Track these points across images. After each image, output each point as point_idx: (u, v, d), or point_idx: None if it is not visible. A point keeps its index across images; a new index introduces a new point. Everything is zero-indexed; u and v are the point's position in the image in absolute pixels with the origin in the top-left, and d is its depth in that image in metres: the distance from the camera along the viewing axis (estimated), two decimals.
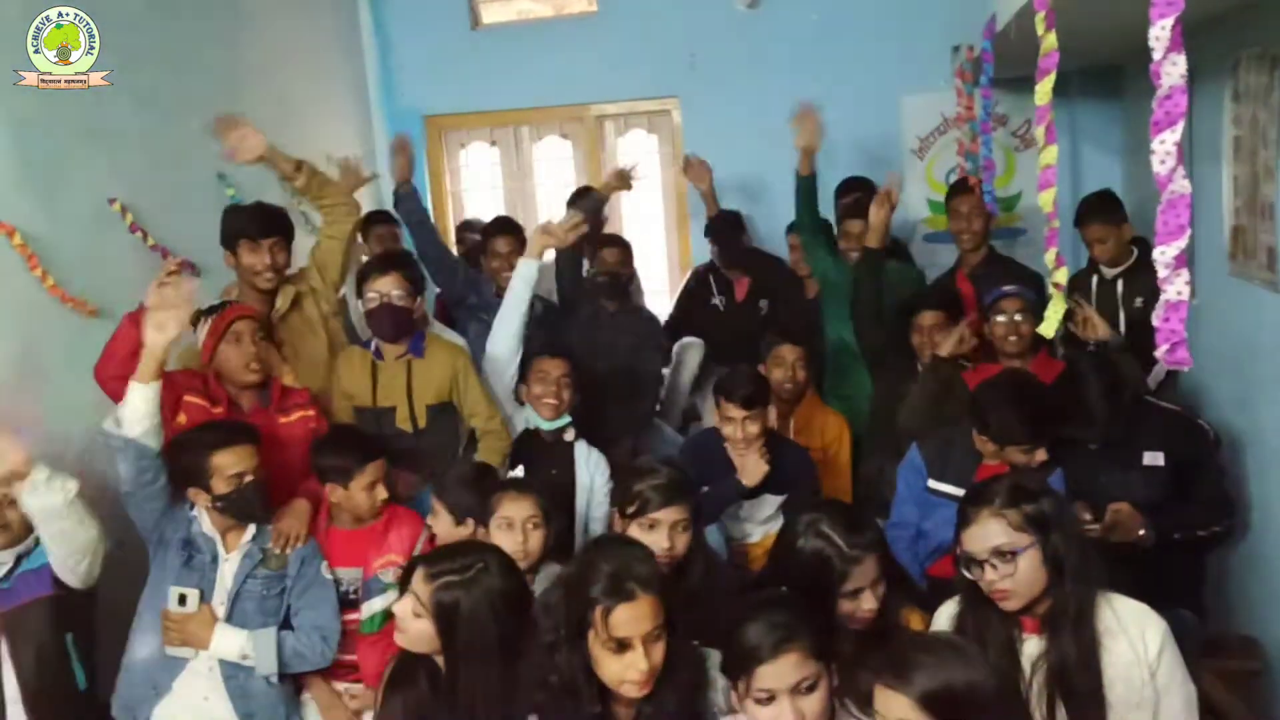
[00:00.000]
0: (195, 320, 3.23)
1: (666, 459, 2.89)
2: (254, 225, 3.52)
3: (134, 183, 3.78)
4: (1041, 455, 3.09)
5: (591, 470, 3.62)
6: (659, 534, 2.63)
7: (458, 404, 3.63)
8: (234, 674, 2.89)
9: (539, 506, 2.88)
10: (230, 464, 2.89)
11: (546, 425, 3.61)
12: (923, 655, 1.87)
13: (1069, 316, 3.37)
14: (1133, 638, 2.21)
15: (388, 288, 3.52)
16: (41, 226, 3.40)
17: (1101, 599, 2.25)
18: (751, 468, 3.39)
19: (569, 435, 3.65)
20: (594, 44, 5.74)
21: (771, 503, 3.51)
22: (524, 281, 3.75)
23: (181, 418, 3.18)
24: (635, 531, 2.64)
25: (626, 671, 2.01)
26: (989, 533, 2.21)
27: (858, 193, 4.74)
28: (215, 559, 2.94)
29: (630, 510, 2.67)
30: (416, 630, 2.21)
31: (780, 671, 1.92)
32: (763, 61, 5.57)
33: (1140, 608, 2.26)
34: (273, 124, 4.82)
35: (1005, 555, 2.18)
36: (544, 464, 3.60)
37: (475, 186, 6.25)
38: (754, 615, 2.00)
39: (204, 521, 2.96)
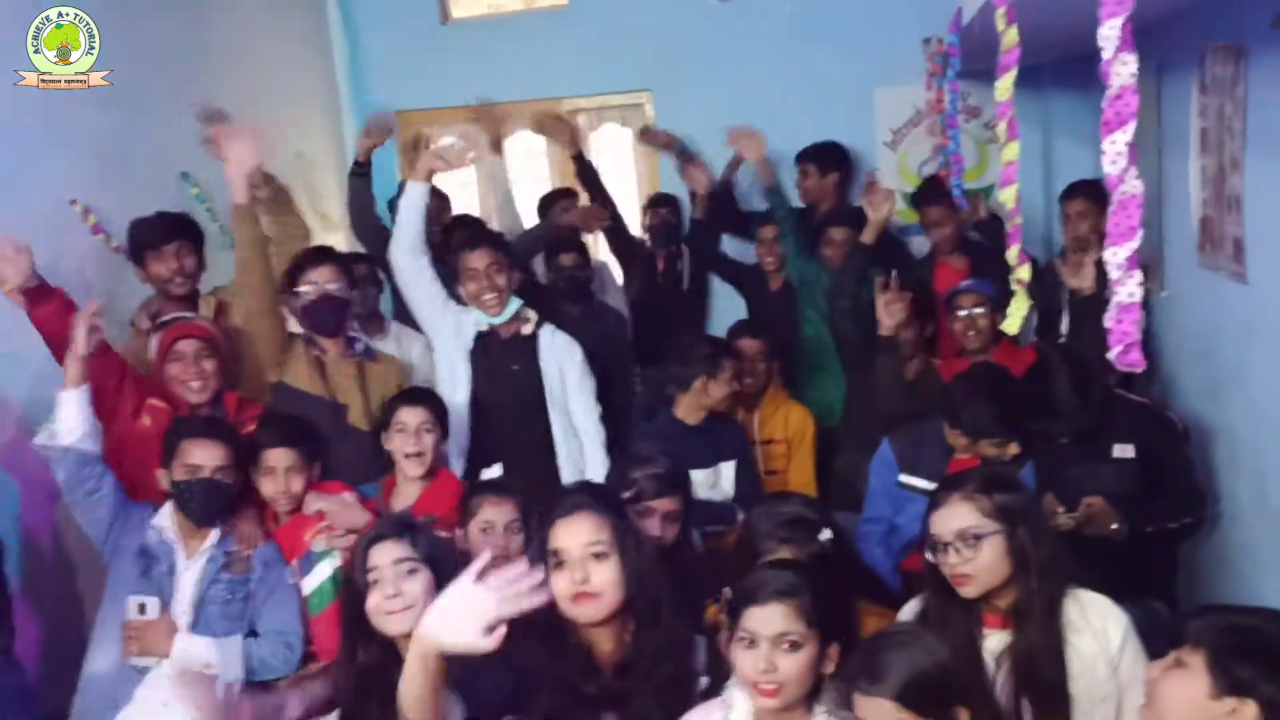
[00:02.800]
0: (147, 332, 3.22)
1: (664, 450, 2.93)
2: (155, 233, 3.49)
3: (97, 183, 3.74)
4: (1014, 449, 3.10)
5: (559, 358, 3.61)
6: (652, 522, 2.68)
7: None
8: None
9: (519, 509, 2.86)
10: (191, 454, 2.88)
11: (498, 320, 3.58)
12: (888, 653, 1.92)
13: (1039, 299, 3.39)
14: (1096, 631, 2.22)
15: (324, 278, 3.48)
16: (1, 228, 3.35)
17: (1067, 594, 2.25)
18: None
19: (527, 329, 3.61)
20: (566, 38, 5.70)
21: (726, 474, 3.57)
22: (414, 204, 3.62)
23: (145, 419, 3.19)
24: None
25: (564, 586, 2.11)
26: (956, 515, 2.22)
27: (815, 160, 5.10)
28: (173, 569, 2.90)
29: (626, 496, 2.70)
30: (419, 590, 2.23)
31: (767, 617, 1.98)
32: (736, 54, 5.53)
33: (1103, 601, 2.27)
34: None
35: (969, 539, 2.18)
36: (504, 362, 3.59)
37: (447, 182, 6.18)
38: (769, 567, 2.13)
39: (167, 528, 2.93)
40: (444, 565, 2.31)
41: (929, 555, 2.26)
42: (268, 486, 3.03)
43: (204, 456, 2.88)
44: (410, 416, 3.17)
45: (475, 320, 3.64)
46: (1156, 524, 3.13)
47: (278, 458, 3.01)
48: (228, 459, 2.91)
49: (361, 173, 4.35)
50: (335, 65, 5.89)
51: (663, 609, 2.18)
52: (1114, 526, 3.00)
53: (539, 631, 2.14)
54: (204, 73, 4.62)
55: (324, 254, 3.62)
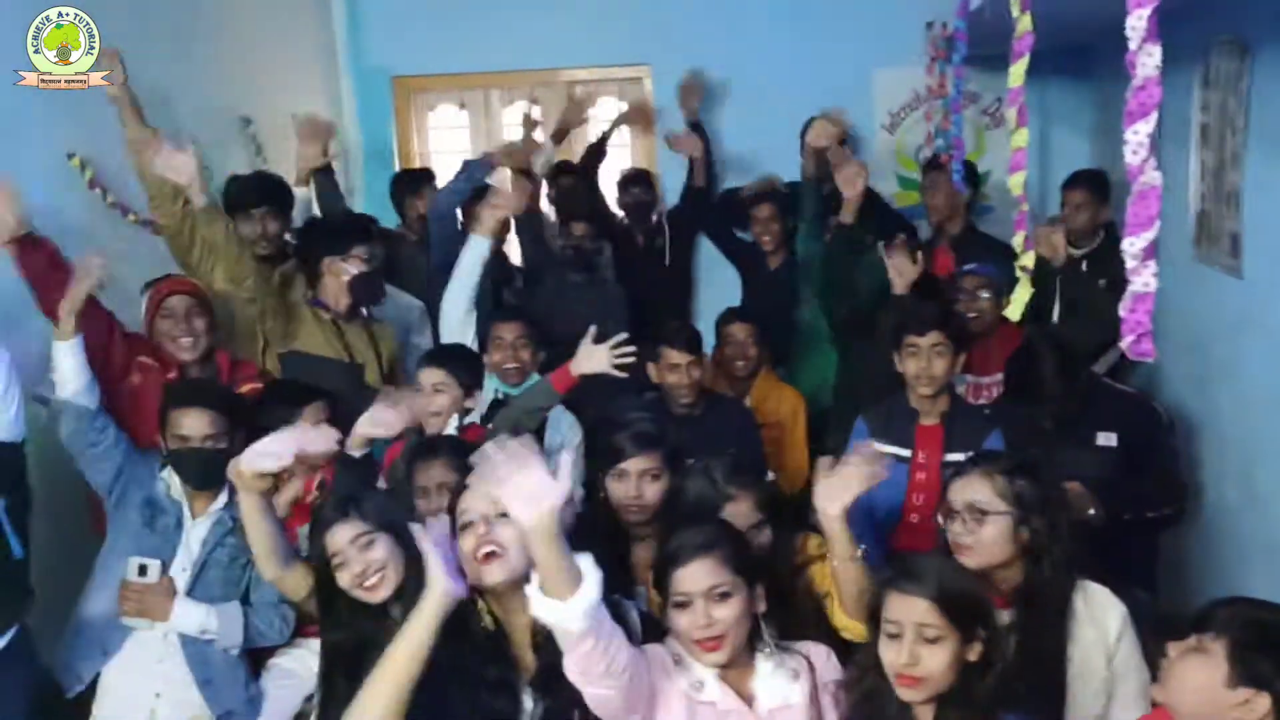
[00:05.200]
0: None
1: (643, 412, 2.95)
2: (245, 196, 3.73)
3: (96, 139, 3.69)
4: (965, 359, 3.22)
5: (563, 434, 3.59)
6: (627, 483, 2.69)
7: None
8: (193, 639, 2.85)
9: (454, 470, 2.80)
10: (179, 424, 2.85)
11: (513, 391, 3.56)
12: (933, 562, 2.02)
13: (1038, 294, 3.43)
14: (1096, 620, 2.26)
15: (381, 254, 3.68)
16: None
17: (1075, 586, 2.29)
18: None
19: None
20: (566, 8, 5.64)
21: None
22: (477, 258, 3.73)
23: (135, 377, 3.20)
24: (611, 483, 2.72)
25: (469, 546, 2.10)
26: (970, 487, 2.26)
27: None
28: (180, 523, 2.89)
29: (606, 461, 2.75)
30: (383, 555, 2.31)
31: (695, 575, 2.02)
32: (734, 31, 5.51)
33: (1104, 592, 2.31)
34: (237, 84, 4.78)
35: (976, 513, 2.23)
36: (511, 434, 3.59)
37: (443, 149, 6.16)
38: (679, 528, 2.17)
39: (174, 484, 2.92)
40: (399, 524, 2.33)
41: (940, 520, 2.32)
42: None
43: (191, 427, 2.83)
44: (425, 378, 3.25)
45: (495, 386, 3.65)
46: (1133, 512, 3.16)
47: (317, 411, 3.04)
48: (217, 426, 2.85)
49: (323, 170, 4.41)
50: (334, 29, 5.81)
51: None
52: (1090, 512, 3.03)
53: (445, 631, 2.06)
54: (200, 33, 4.56)
55: (379, 230, 3.79)
